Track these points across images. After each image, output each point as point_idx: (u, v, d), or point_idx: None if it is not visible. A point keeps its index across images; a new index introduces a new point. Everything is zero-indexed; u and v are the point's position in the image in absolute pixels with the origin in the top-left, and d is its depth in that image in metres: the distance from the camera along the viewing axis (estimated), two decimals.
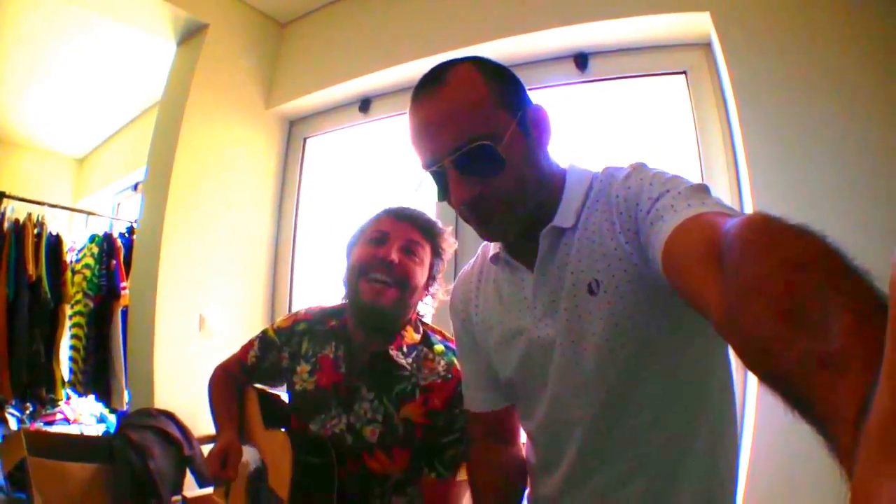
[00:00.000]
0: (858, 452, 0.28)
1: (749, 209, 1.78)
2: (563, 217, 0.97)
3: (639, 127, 2.41)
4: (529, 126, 0.95)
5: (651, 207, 0.83)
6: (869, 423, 0.28)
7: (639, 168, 0.95)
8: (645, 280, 0.88)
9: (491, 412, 1.21)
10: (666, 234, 0.75)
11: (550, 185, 1.00)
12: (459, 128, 0.89)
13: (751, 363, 0.50)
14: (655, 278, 0.80)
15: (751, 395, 1.74)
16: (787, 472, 1.60)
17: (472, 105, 0.90)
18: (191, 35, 3.20)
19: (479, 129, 0.89)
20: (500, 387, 1.17)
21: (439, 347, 1.52)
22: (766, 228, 0.56)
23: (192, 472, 2.43)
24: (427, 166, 0.95)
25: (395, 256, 1.43)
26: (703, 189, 0.82)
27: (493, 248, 1.12)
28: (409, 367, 1.46)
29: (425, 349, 1.51)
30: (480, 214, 0.95)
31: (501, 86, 0.95)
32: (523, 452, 1.23)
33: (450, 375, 1.45)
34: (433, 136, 0.92)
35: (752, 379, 1.71)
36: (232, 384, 1.71)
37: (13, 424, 3.66)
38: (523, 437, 1.23)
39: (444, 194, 0.96)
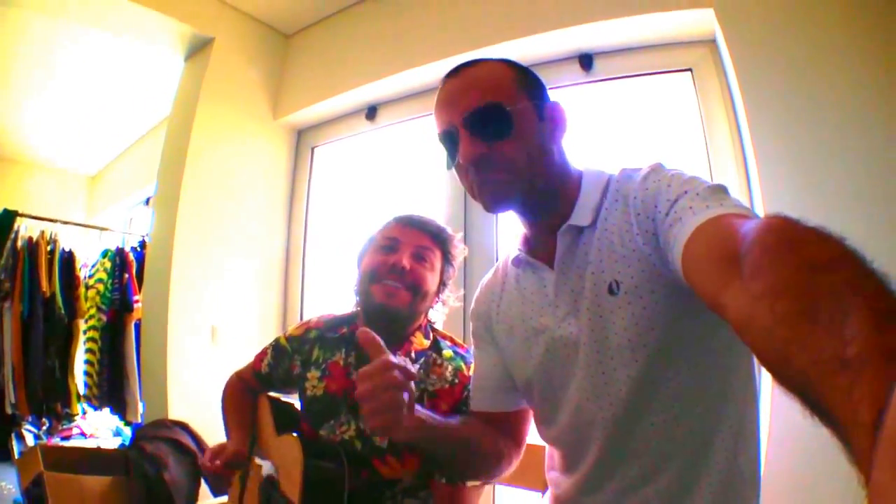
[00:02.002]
0: (875, 456, 0.28)
1: (759, 206, 1.77)
2: (581, 215, 1.00)
3: (646, 126, 2.39)
4: (546, 115, 1.01)
5: (670, 209, 0.84)
6: (885, 428, 0.28)
7: (657, 169, 0.96)
8: (664, 281, 0.89)
9: (501, 413, 1.20)
10: (685, 236, 0.76)
11: (563, 179, 1.03)
12: (478, 94, 0.96)
13: (769, 365, 0.50)
14: (675, 279, 0.81)
15: (765, 396, 1.72)
16: (804, 474, 1.57)
17: (492, 78, 0.99)
18: (197, 50, 3.24)
19: (494, 95, 0.96)
20: (514, 389, 1.17)
21: (448, 353, 1.51)
22: (784, 231, 0.56)
23: (207, 482, 2.44)
24: (442, 129, 1.01)
25: (406, 263, 1.44)
26: (721, 190, 0.82)
27: (513, 252, 1.14)
28: (416, 373, 1.45)
29: (434, 355, 1.51)
30: (483, 175, 0.98)
31: (525, 76, 1.02)
32: (514, 456, 1.22)
33: (457, 381, 1.45)
34: (453, 104, 0.99)
35: (766, 382, 1.69)
36: (246, 392, 1.72)
37: (30, 440, 3.69)
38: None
39: (452, 158, 1.01)
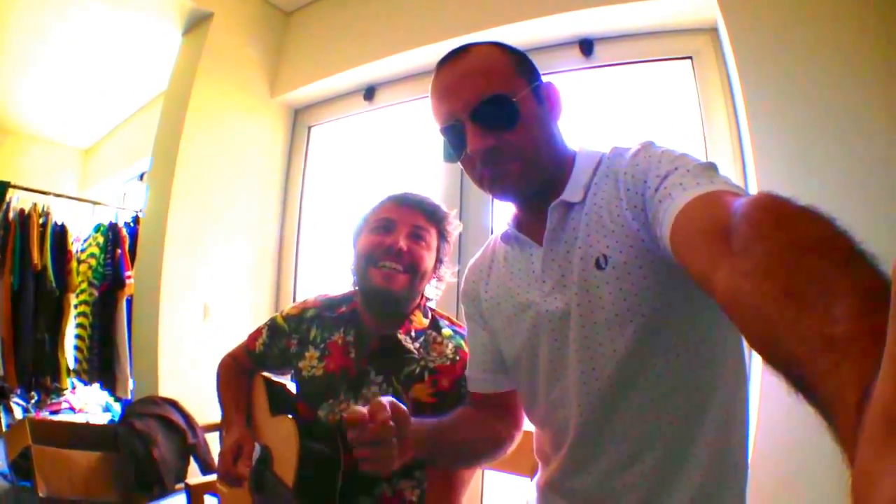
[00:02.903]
0: (860, 436, 0.28)
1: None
2: (572, 192, 1.00)
3: (644, 113, 2.39)
4: (543, 97, 1.02)
5: (659, 185, 0.84)
6: (870, 408, 0.28)
7: (647, 146, 0.97)
8: (652, 256, 0.89)
9: (493, 394, 1.21)
10: (674, 212, 0.76)
11: (561, 160, 1.04)
12: (479, 85, 0.96)
13: (755, 343, 0.50)
14: (663, 254, 0.81)
15: (755, 380, 1.72)
16: (792, 456, 1.58)
17: (492, 67, 0.98)
18: (196, 24, 3.20)
19: (498, 86, 0.96)
20: (505, 370, 1.17)
21: (447, 331, 1.52)
22: (774, 209, 0.56)
23: (196, 460, 2.44)
24: (445, 122, 1.00)
25: (403, 244, 1.43)
26: (711, 167, 0.82)
27: (502, 228, 1.15)
28: (416, 351, 1.46)
29: (433, 333, 1.51)
30: (493, 166, 0.99)
31: (518, 59, 1.02)
32: (514, 436, 1.23)
33: (458, 357, 1.45)
34: (454, 95, 0.98)
35: (757, 363, 1.70)
36: (240, 372, 1.71)
37: (18, 413, 3.68)
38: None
39: (458, 151, 1.01)
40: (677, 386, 0.92)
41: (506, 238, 1.13)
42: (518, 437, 1.23)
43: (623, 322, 0.91)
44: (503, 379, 1.19)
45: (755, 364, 1.71)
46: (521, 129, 0.96)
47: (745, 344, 0.99)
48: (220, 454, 1.50)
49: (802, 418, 0.44)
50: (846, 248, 0.46)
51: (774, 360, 0.46)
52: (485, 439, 1.19)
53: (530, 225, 1.07)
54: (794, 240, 0.50)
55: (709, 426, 0.93)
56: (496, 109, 0.95)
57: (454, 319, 1.59)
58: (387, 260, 1.43)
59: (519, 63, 1.01)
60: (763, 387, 1.66)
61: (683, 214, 0.74)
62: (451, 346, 1.48)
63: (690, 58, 2.21)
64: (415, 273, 1.46)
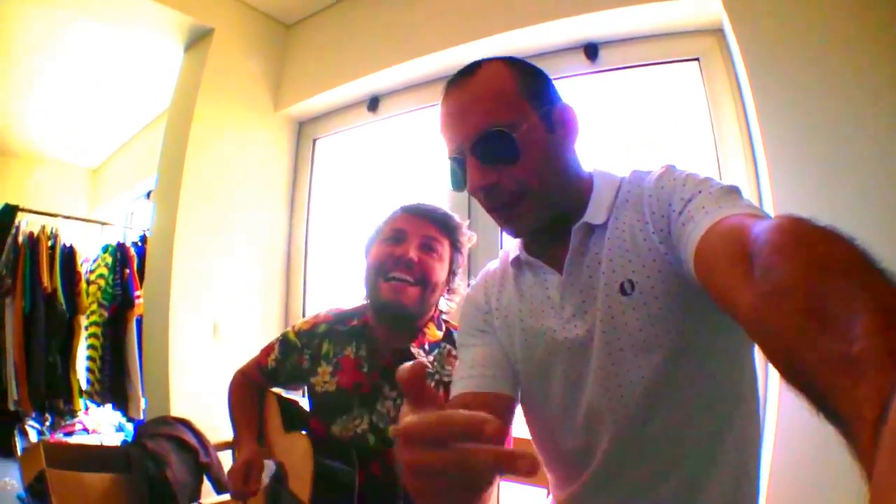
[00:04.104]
0: (877, 452, 0.29)
1: (768, 197, 1.75)
2: (594, 214, 0.98)
3: (653, 116, 2.36)
4: (555, 123, 0.96)
5: (684, 208, 0.84)
6: (888, 425, 0.28)
7: (670, 169, 0.95)
8: (679, 279, 0.87)
9: (490, 394, 1.04)
10: (698, 235, 0.76)
11: (576, 185, 1.01)
12: (480, 116, 0.92)
13: (777, 363, 0.50)
14: (689, 278, 0.80)
15: (773, 395, 1.70)
16: (809, 472, 1.56)
17: (495, 95, 0.93)
18: (197, 40, 3.20)
19: (499, 117, 0.91)
20: (512, 375, 1.06)
21: None
22: (795, 231, 0.56)
23: (209, 479, 2.42)
24: (451, 153, 0.97)
25: (413, 255, 1.42)
26: (734, 191, 0.82)
27: (512, 251, 1.10)
28: (430, 365, 1.44)
29: (448, 346, 1.50)
30: (496, 204, 0.96)
31: (528, 80, 0.96)
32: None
33: None
34: (457, 125, 0.94)
35: (775, 380, 1.68)
36: (252, 389, 1.70)
37: (33, 437, 3.69)
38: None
39: (461, 183, 0.97)
40: (701, 408, 0.91)
41: (516, 264, 1.08)
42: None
43: (651, 348, 0.90)
44: (504, 380, 1.05)
45: (774, 383, 1.70)
46: (526, 163, 0.92)
47: (757, 364, 0.99)
48: (231, 471, 1.49)
49: (820, 436, 0.45)
50: (865, 266, 0.46)
51: (795, 379, 0.46)
52: None
53: (543, 249, 1.04)
54: (813, 260, 0.50)
55: (730, 446, 0.92)
56: (495, 145, 0.91)
57: None
58: (397, 271, 1.42)
59: (526, 84, 0.95)
60: (781, 405, 1.64)
61: (706, 238, 0.75)
62: None
63: (697, 59, 2.18)
64: (426, 285, 1.45)
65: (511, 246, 1.13)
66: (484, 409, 1.00)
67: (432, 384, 1.42)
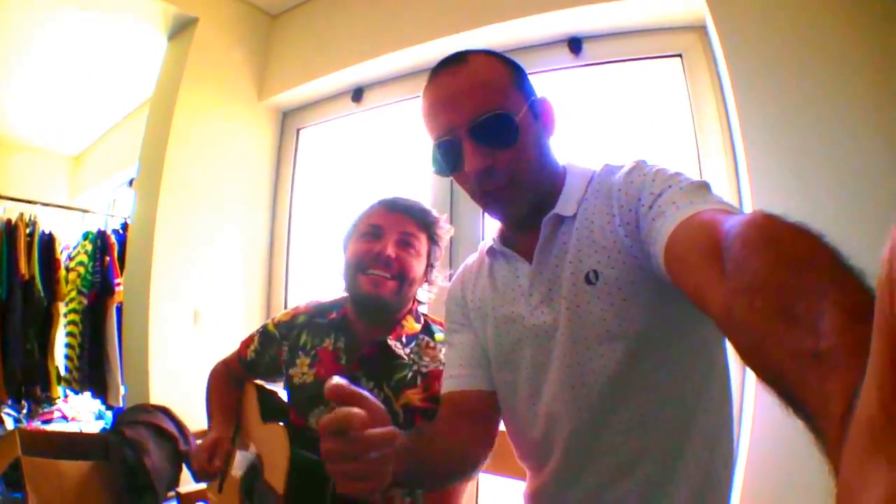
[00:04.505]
0: (844, 448, 0.29)
1: (747, 192, 1.78)
2: (564, 206, 1.00)
3: (634, 111, 2.38)
4: (538, 113, 1.00)
5: (653, 203, 0.85)
6: (854, 420, 0.28)
7: (640, 164, 0.97)
8: (644, 272, 0.89)
9: (473, 392, 1.11)
10: (668, 230, 0.77)
11: (552, 177, 1.04)
12: (479, 100, 0.93)
13: (747, 359, 0.51)
14: (655, 272, 0.82)
15: (749, 394, 1.73)
16: (784, 471, 1.59)
17: (492, 81, 0.96)
18: (181, 29, 3.18)
19: (498, 102, 0.94)
20: (487, 367, 1.12)
21: (440, 336, 1.52)
22: (765, 227, 0.57)
23: (188, 468, 2.42)
24: (441, 137, 0.97)
25: (391, 252, 1.43)
26: (704, 186, 0.83)
27: (488, 242, 1.14)
28: (407, 356, 1.45)
29: (426, 338, 1.51)
30: (490, 187, 0.97)
31: (515, 72, 1.00)
32: (487, 453, 1.11)
33: None
34: (451, 108, 0.95)
35: (751, 379, 1.70)
36: (231, 379, 1.71)
37: (10, 424, 3.65)
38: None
39: (452, 167, 0.98)
40: (666, 400, 0.92)
41: (491, 253, 1.13)
42: (488, 457, 1.11)
43: (613, 338, 0.91)
44: (482, 377, 1.11)
45: (751, 383, 1.72)
46: (518, 148, 0.95)
47: (731, 363, 1.00)
48: (195, 450, 1.50)
49: (794, 433, 0.45)
50: (834, 263, 0.47)
51: (764, 374, 0.47)
52: (461, 457, 1.07)
53: (517, 239, 1.07)
54: (783, 256, 0.51)
55: (696, 440, 0.93)
56: (497, 127, 0.93)
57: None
58: (375, 268, 1.43)
59: (517, 76, 0.99)
60: (756, 402, 1.66)
61: (677, 233, 0.75)
62: (443, 350, 1.47)
63: (680, 55, 2.20)
64: (403, 280, 1.45)
65: (488, 238, 1.15)
66: (471, 407, 1.09)
67: (410, 374, 1.43)
